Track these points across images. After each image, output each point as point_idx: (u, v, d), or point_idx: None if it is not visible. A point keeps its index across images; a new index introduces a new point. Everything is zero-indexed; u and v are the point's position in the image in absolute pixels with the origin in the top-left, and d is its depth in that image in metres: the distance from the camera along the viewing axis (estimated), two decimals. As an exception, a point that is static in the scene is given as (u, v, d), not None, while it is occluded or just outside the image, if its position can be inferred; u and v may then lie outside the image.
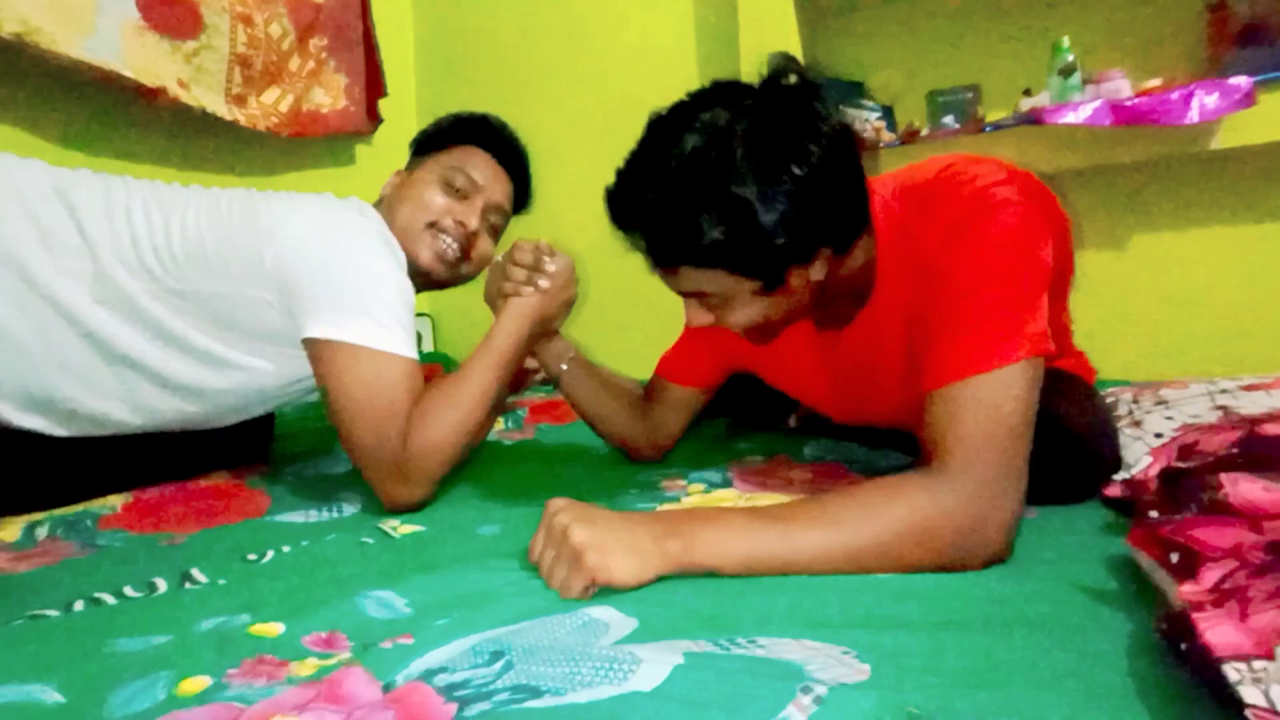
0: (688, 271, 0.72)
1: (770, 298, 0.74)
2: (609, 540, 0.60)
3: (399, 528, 0.83)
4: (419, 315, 2.25)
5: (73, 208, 0.90)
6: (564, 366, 1.05)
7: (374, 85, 2.17)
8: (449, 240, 1.05)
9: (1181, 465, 0.62)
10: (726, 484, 0.97)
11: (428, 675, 0.46)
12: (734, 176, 0.66)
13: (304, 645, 0.52)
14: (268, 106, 1.92)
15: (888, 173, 0.85)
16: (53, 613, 0.61)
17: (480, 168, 1.08)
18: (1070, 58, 1.50)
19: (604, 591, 0.59)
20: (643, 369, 1.18)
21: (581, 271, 1.03)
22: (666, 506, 0.87)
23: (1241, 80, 1.36)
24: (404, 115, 2.37)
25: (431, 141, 1.11)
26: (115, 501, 0.96)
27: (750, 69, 0.73)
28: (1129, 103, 1.40)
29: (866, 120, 1.68)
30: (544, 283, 0.97)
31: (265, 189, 1.04)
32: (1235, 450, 0.58)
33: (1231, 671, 0.38)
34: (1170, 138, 1.42)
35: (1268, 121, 1.37)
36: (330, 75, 2.08)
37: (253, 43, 1.85)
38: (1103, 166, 1.56)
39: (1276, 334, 1.50)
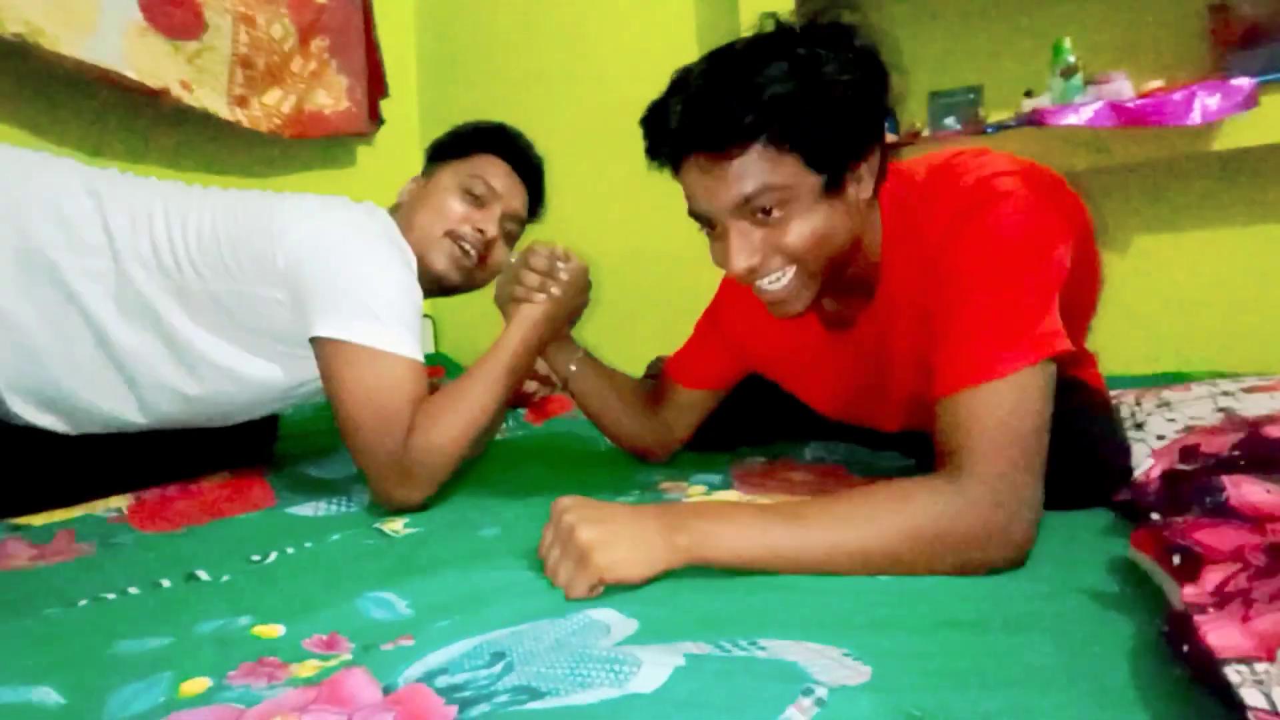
0: (747, 158, 0.69)
1: (829, 206, 0.71)
2: (616, 537, 0.59)
3: (400, 528, 0.83)
4: (422, 316, 2.25)
5: (100, 207, 0.92)
6: (572, 368, 1.05)
7: (376, 86, 2.18)
8: (466, 246, 1.06)
9: (1183, 467, 0.62)
10: (727, 485, 0.97)
11: (428, 677, 0.46)
12: (799, 55, 0.68)
13: (305, 647, 0.52)
14: (270, 107, 1.92)
15: (892, 163, 0.83)
16: (58, 612, 0.61)
17: (498, 176, 1.09)
18: (1072, 59, 1.50)
19: (609, 591, 0.59)
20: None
21: (589, 273, 1.03)
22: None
23: (1244, 81, 1.36)
24: (406, 116, 2.37)
25: (449, 149, 1.12)
26: (121, 503, 0.97)
27: None
28: (1131, 104, 1.40)
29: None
30: (556, 290, 0.97)
31: (267, 190, 1.05)
32: (1237, 452, 0.58)
33: (1233, 673, 0.38)
34: (1172, 139, 1.42)
35: (1270, 123, 1.37)
36: (332, 76, 2.08)
37: (255, 43, 1.85)
38: (1105, 168, 1.56)
39: (1278, 335, 1.50)
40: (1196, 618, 0.43)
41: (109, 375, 0.93)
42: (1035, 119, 1.46)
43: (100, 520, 0.91)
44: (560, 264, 0.98)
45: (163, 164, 1.78)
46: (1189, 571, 0.49)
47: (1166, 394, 0.99)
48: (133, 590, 0.66)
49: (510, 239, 1.13)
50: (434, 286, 1.08)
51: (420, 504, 0.89)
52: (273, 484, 1.07)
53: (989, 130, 1.54)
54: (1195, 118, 1.35)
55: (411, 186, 1.11)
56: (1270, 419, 0.64)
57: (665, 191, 0.81)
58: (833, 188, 0.71)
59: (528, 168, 1.13)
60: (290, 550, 0.75)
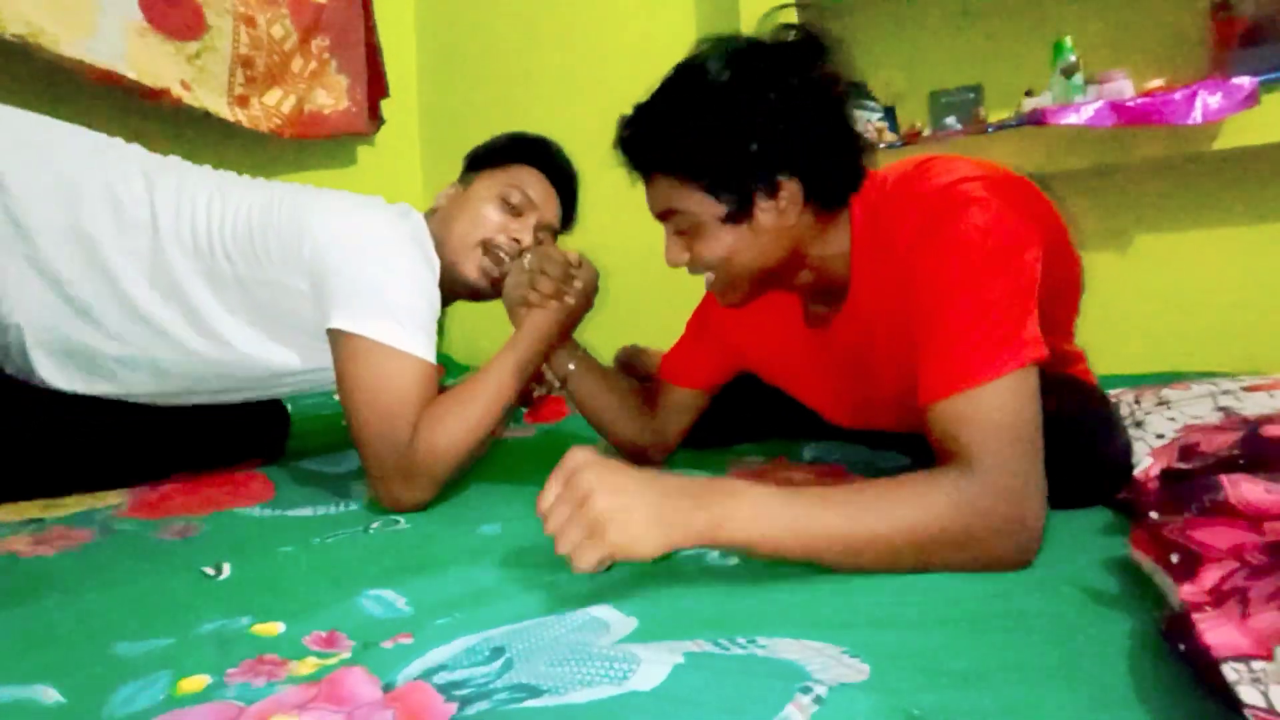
0: (659, 183, 0.78)
1: (737, 231, 0.77)
2: (632, 511, 0.56)
3: (400, 527, 0.83)
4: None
5: (150, 190, 0.97)
6: (571, 367, 1.05)
7: (376, 86, 2.18)
8: (501, 254, 1.07)
9: (1183, 466, 0.62)
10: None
11: (427, 674, 0.46)
12: (708, 90, 0.73)
13: (304, 645, 0.52)
14: (270, 107, 1.92)
15: (869, 171, 0.85)
16: (58, 610, 0.61)
17: (535, 186, 1.10)
18: (1073, 58, 1.50)
19: (606, 586, 0.59)
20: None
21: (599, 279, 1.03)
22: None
23: (1245, 81, 1.36)
24: (406, 116, 2.37)
25: (488, 158, 1.13)
26: (122, 497, 0.98)
27: None
28: (1132, 103, 1.40)
29: (868, 121, 1.68)
30: (571, 300, 0.97)
31: (316, 186, 1.07)
32: (1237, 451, 0.58)
33: (1231, 672, 0.38)
34: (1173, 138, 1.42)
35: (1271, 122, 1.37)
36: (332, 76, 2.08)
37: (255, 43, 1.85)
38: (1105, 167, 1.56)
39: (1278, 335, 1.50)
40: (1195, 616, 0.43)
41: (132, 333, 0.97)
42: (1036, 118, 1.46)
43: (101, 512, 0.92)
44: (574, 270, 0.97)
45: (163, 164, 1.79)
46: (1187, 570, 0.49)
47: (1166, 393, 0.99)
48: (133, 586, 0.66)
49: None
50: (464, 292, 1.09)
51: (422, 504, 0.89)
52: (273, 479, 1.07)
53: (990, 130, 1.54)
54: (1196, 117, 1.35)
55: (450, 192, 1.13)
56: (1270, 418, 0.64)
57: (664, 191, 0.81)
58: (738, 215, 0.76)
59: (563, 179, 1.14)
60: (290, 548, 0.76)
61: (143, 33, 1.62)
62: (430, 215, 1.10)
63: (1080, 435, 0.78)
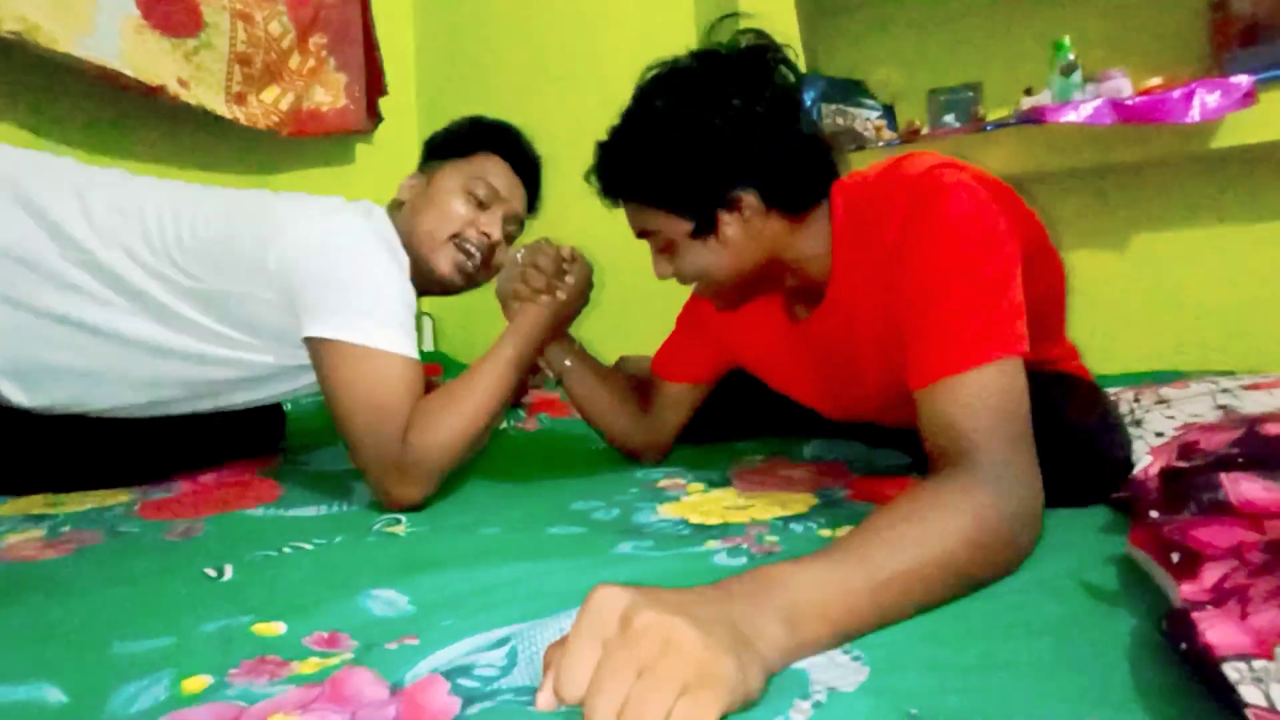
0: (630, 207, 0.84)
1: (707, 245, 0.80)
2: (723, 644, 0.39)
3: (401, 527, 0.83)
4: (421, 314, 2.25)
5: (86, 205, 0.94)
6: (568, 363, 1.05)
7: (374, 84, 2.17)
8: (471, 249, 1.06)
9: (1182, 464, 0.62)
10: (726, 484, 0.97)
11: (431, 673, 0.46)
12: (653, 117, 0.78)
13: (306, 645, 0.52)
14: (268, 105, 1.92)
15: (853, 171, 0.87)
16: (60, 609, 0.61)
17: (500, 176, 1.09)
18: (1071, 56, 1.50)
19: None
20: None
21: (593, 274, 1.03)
22: (667, 506, 0.87)
23: (1243, 79, 1.36)
24: (404, 114, 2.36)
25: (450, 146, 1.12)
26: (129, 497, 0.99)
27: None
28: (1130, 102, 1.40)
29: (867, 119, 1.68)
30: (562, 294, 0.97)
31: (265, 188, 1.05)
32: (1236, 450, 0.58)
33: (1231, 671, 0.38)
34: (1171, 137, 1.42)
35: (1269, 120, 1.37)
36: (330, 74, 2.07)
37: (253, 41, 1.85)
38: (1104, 166, 1.56)
39: (1277, 333, 1.50)
40: (1195, 615, 0.43)
41: (96, 352, 0.95)
42: (1034, 117, 1.46)
43: (108, 513, 0.92)
44: (567, 265, 0.98)
45: (160, 162, 1.78)
46: (1188, 569, 0.49)
47: (1165, 391, 0.99)
48: (135, 586, 0.66)
49: (510, 239, 1.14)
50: (436, 288, 1.09)
51: (419, 502, 0.89)
52: (276, 480, 1.07)
53: (988, 128, 1.54)
54: (1194, 115, 1.35)
55: (413, 184, 1.11)
56: (1269, 416, 0.64)
57: (664, 190, 0.81)
58: (705, 231, 0.80)
59: (527, 166, 1.13)
60: (291, 549, 0.75)
61: (140, 30, 1.62)
62: (394, 209, 1.09)
63: (1077, 433, 0.78)
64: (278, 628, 0.55)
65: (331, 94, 2.07)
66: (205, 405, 1.06)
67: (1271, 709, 0.35)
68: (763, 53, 0.78)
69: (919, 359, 0.68)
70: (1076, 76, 1.49)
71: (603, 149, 0.84)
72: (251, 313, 0.94)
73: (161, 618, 0.58)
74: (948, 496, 0.57)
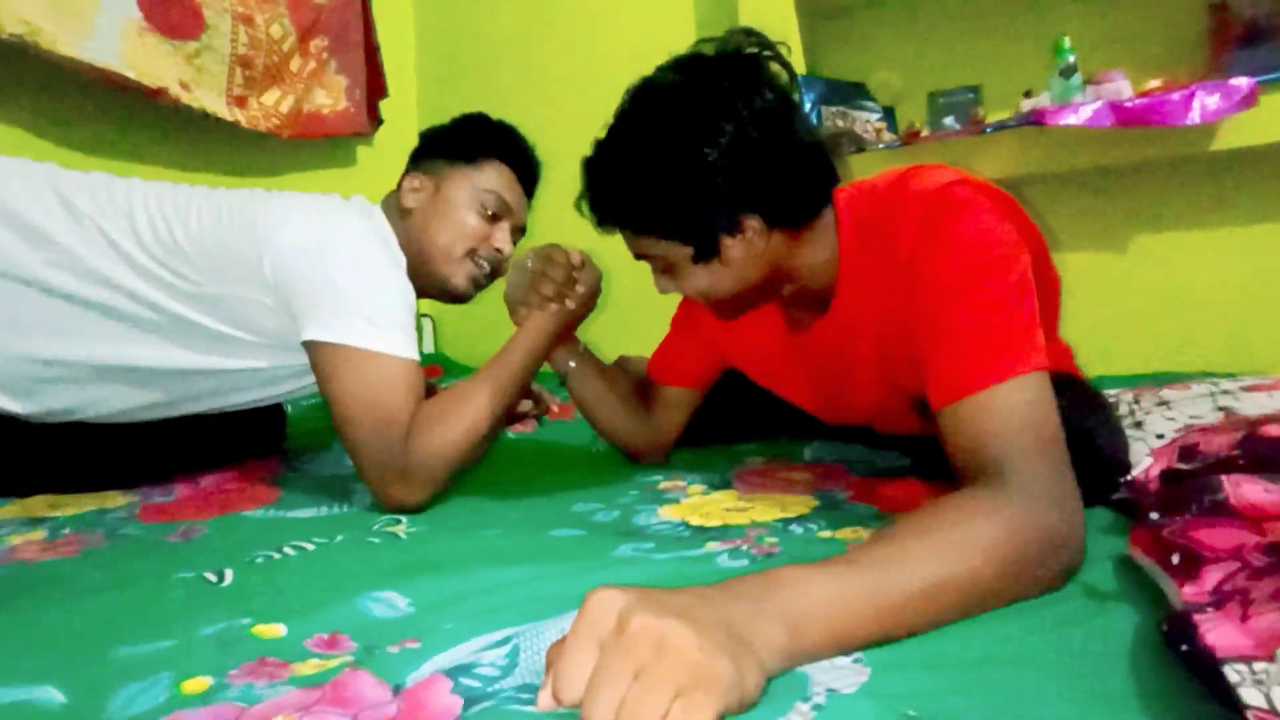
0: (626, 235, 0.81)
1: (709, 267, 0.78)
2: (723, 646, 0.39)
3: (402, 529, 0.83)
4: (421, 316, 2.25)
5: (71, 210, 0.92)
6: (572, 364, 1.05)
7: (375, 86, 2.17)
8: (483, 263, 1.07)
9: (1183, 466, 0.62)
10: (727, 485, 0.97)
11: (432, 674, 0.46)
12: (652, 146, 0.73)
13: (306, 647, 0.52)
14: (268, 108, 1.92)
15: (856, 181, 0.86)
16: (60, 611, 0.61)
17: (509, 189, 1.09)
18: (1071, 58, 1.50)
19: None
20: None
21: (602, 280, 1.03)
22: (667, 508, 0.87)
23: (1242, 81, 1.36)
24: (405, 117, 2.37)
25: (455, 148, 1.10)
26: (129, 499, 0.99)
27: None
28: (1130, 103, 1.40)
29: (867, 121, 1.68)
30: (572, 303, 0.97)
31: (266, 190, 1.04)
32: (1236, 451, 0.58)
33: (1232, 673, 0.38)
34: (1171, 139, 1.42)
35: (1269, 122, 1.37)
36: (331, 76, 2.08)
37: (254, 43, 1.85)
38: (1103, 167, 1.56)
39: (1278, 335, 1.50)
40: (1195, 617, 0.43)
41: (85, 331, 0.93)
42: (1034, 119, 1.46)
43: (109, 515, 0.92)
44: (576, 272, 0.97)
45: (161, 164, 1.78)
46: (1188, 571, 0.49)
47: (1166, 393, 0.99)
48: (134, 588, 0.66)
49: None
50: (444, 297, 1.09)
51: (420, 505, 0.89)
52: (275, 483, 1.07)
53: (988, 130, 1.54)
54: (1194, 117, 1.35)
55: (416, 188, 1.08)
56: (1270, 418, 0.64)
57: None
58: (706, 254, 0.77)
59: (531, 176, 1.13)
60: (291, 550, 0.76)
61: (141, 32, 1.62)
62: (392, 208, 1.07)
63: (1076, 433, 0.78)
64: (278, 629, 0.55)
65: (332, 96, 2.08)
66: (205, 407, 1.05)
67: (1272, 711, 0.35)
68: (753, 58, 0.74)
69: (941, 377, 0.66)
70: (1076, 78, 1.49)
71: (593, 177, 0.79)
72: (250, 315, 0.94)
73: (161, 619, 0.58)
74: (975, 508, 0.54)
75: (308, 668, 0.49)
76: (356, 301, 0.88)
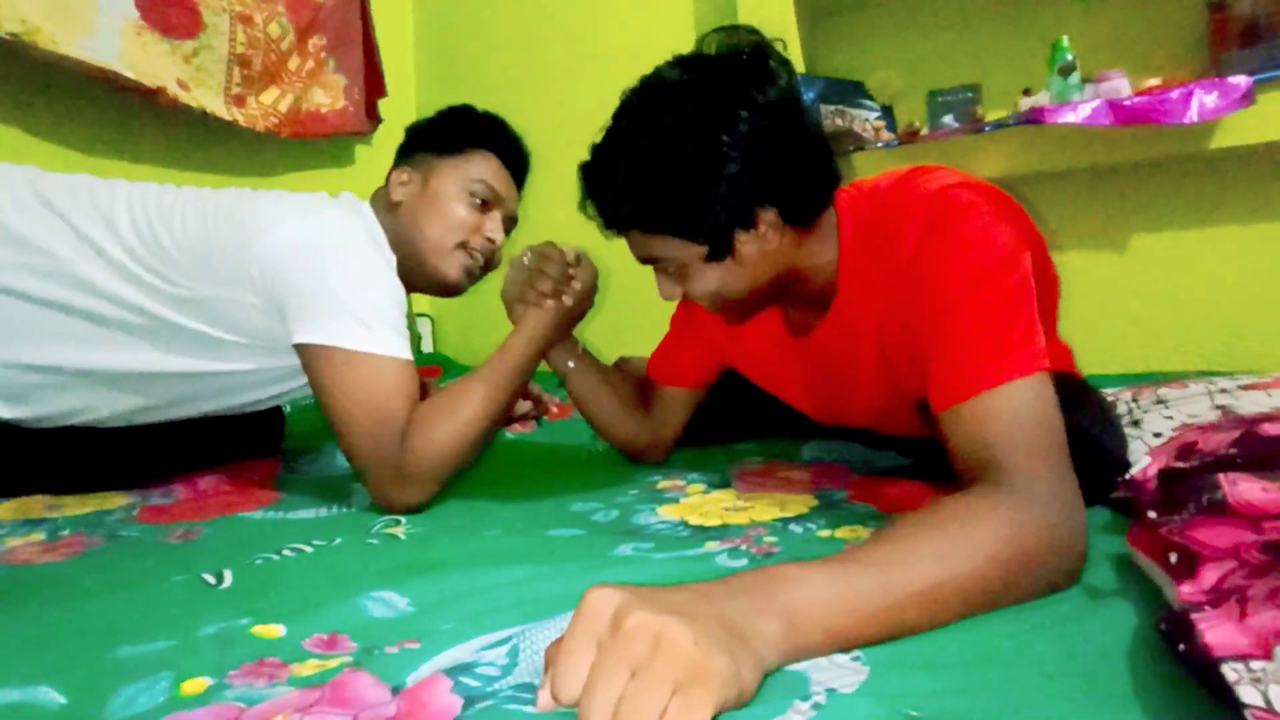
0: (635, 236, 0.78)
1: (722, 266, 0.76)
2: (719, 642, 0.39)
3: (401, 530, 0.83)
4: (419, 315, 2.25)
5: (53, 214, 0.91)
6: (571, 364, 1.05)
7: (373, 85, 2.17)
8: (478, 254, 1.06)
9: (1180, 465, 0.62)
10: (726, 485, 0.97)
11: (432, 674, 0.46)
12: (663, 141, 0.71)
13: (306, 647, 0.52)
14: (267, 107, 1.92)
15: (855, 181, 0.86)
16: (60, 611, 0.61)
17: (498, 178, 1.08)
18: (1070, 57, 1.50)
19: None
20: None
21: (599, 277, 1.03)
22: (666, 508, 0.87)
23: (1241, 80, 1.36)
24: (403, 116, 2.34)
25: (441, 141, 1.09)
26: (129, 500, 0.99)
27: None
28: (1128, 102, 1.40)
29: (866, 120, 1.68)
30: (569, 300, 0.96)
31: (264, 189, 1.04)
32: (1234, 450, 0.58)
33: (1230, 672, 0.38)
34: (1170, 137, 1.42)
35: (1267, 121, 1.37)
36: (329, 75, 2.08)
37: (252, 43, 1.85)
38: (1102, 166, 1.57)
39: (1276, 334, 1.50)
40: (1193, 616, 0.43)
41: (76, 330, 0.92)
42: (1033, 117, 1.46)
43: (108, 516, 0.92)
44: (572, 270, 0.97)
45: (159, 164, 1.78)
46: (1186, 569, 0.49)
47: (1163, 391, 0.99)
48: (134, 589, 0.66)
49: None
50: (436, 290, 1.08)
51: (419, 505, 0.89)
52: (275, 484, 1.07)
53: (987, 129, 1.54)
54: (1193, 116, 1.35)
55: (404, 182, 1.07)
56: (1267, 417, 0.64)
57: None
58: (719, 252, 0.75)
59: (520, 164, 1.13)
60: (291, 551, 0.76)
61: (139, 32, 1.62)
62: (380, 204, 1.07)
63: (1075, 432, 0.78)
64: (277, 630, 0.55)
65: (331, 95, 2.08)
66: (197, 410, 1.05)
67: (1270, 709, 0.35)
68: (759, 52, 0.73)
69: (944, 379, 0.67)
70: (1075, 77, 1.49)
71: (599, 178, 0.77)
72: (237, 317, 0.93)
73: (161, 620, 0.58)
74: (977, 509, 0.54)
75: (307, 668, 0.49)
76: (347, 302, 0.88)
